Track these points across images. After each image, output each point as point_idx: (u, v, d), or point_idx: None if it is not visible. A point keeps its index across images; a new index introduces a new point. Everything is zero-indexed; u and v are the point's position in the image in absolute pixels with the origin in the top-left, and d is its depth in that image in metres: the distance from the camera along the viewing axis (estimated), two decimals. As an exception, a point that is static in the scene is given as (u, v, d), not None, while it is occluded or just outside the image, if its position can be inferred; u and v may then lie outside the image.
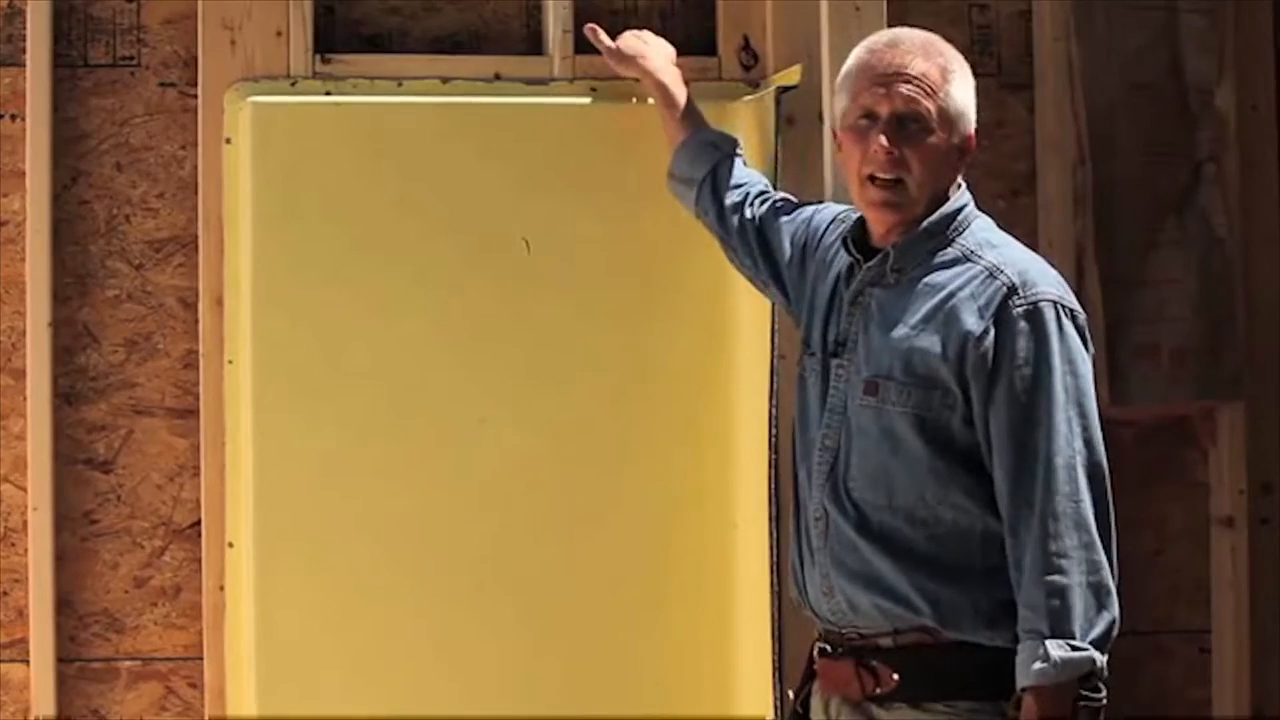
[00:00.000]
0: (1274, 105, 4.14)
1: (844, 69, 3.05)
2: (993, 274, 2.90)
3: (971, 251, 2.94)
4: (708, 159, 3.47)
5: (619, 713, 3.66)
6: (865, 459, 2.92)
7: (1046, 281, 2.90)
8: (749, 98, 3.77)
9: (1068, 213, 3.98)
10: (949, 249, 2.95)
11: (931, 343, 2.88)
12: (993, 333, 2.85)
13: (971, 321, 2.86)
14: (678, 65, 3.67)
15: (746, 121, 3.73)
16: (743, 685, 3.68)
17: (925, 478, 2.88)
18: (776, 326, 3.59)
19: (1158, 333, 3.98)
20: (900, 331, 2.91)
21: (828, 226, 3.21)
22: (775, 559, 3.56)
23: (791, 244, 3.26)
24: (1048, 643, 2.76)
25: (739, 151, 3.50)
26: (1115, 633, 2.80)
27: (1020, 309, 2.86)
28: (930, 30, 3.08)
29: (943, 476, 2.88)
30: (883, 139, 2.92)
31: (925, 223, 2.96)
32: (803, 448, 3.05)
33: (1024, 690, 2.78)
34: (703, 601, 3.72)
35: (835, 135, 3.08)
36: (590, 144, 3.72)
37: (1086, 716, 2.77)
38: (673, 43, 3.82)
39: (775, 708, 3.54)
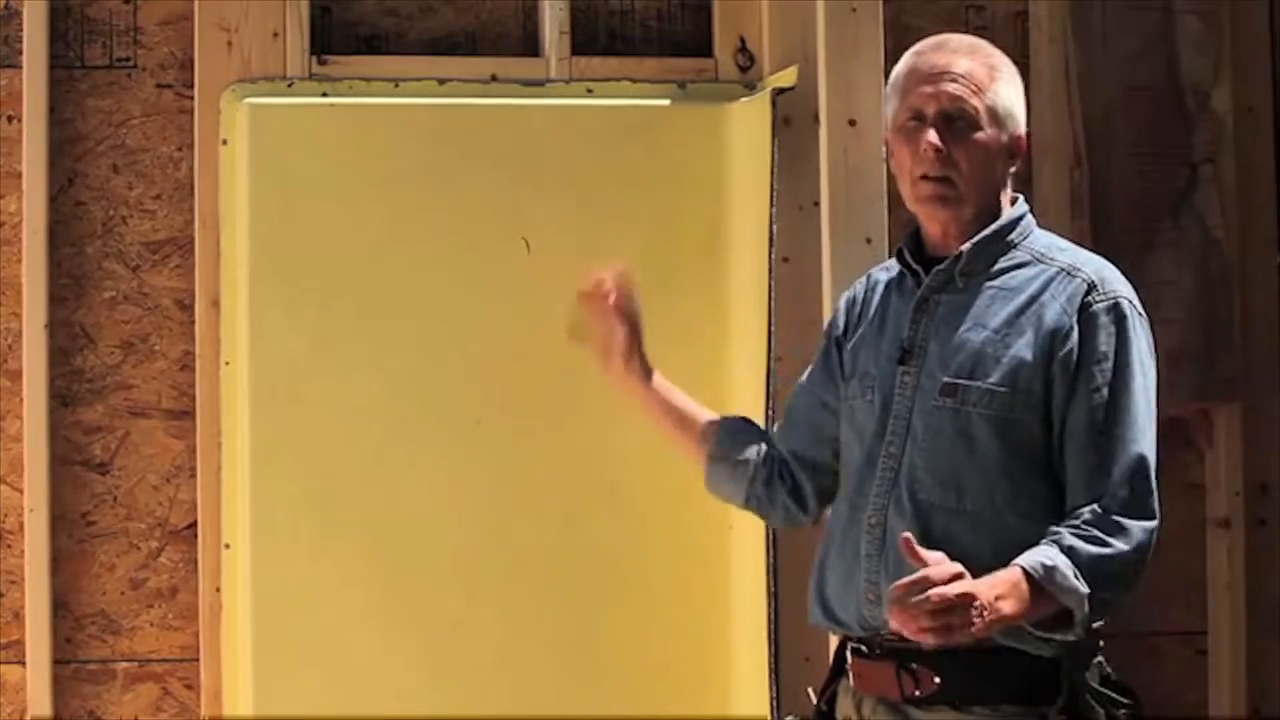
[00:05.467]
0: (1270, 107, 4.14)
1: (893, 74, 3.04)
2: (1071, 273, 2.91)
3: (1042, 254, 2.95)
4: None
5: (615, 713, 3.67)
6: (936, 461, 2.89)
7: (1120, 281, 2.92)
8: (745, 99, 3.77)
9: (1064, 214, 3.98)
10: (1015, 253, 2.95)
11: (1020, 345, 2.87)
12: (1076, 329, 2.86)
13: (1056, 319, 2.87)
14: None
15: (743, 123, 3.73)
16: (739, 685, 3.68)
17: (999, 481, 2.86)
18: (774, 328, 3.60)
19: (1154, 334, 3.98)
20: (982, 335, 2.90)
21: (847, 307, 3.15)
22: (771, 559, 3.56)
23: (835, 366, 3.16)
24: (1059, 556, 2.73)
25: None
26: (1112, 607, 2.78)
27: (1101, 305, 2.87)
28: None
29: (1016, 481, 2.86)
30: (930, 136, 2.92)
31: (994, 226, 2.95)
32: (858, 466, 3.00)
33: (1015, 566, 2.74)
34: (698, 601, 3.72)
35: (886, 142, 3.06)
36: (587, 145, 3.72)
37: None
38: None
39: (772, 707, 3.54)
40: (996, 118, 2.94)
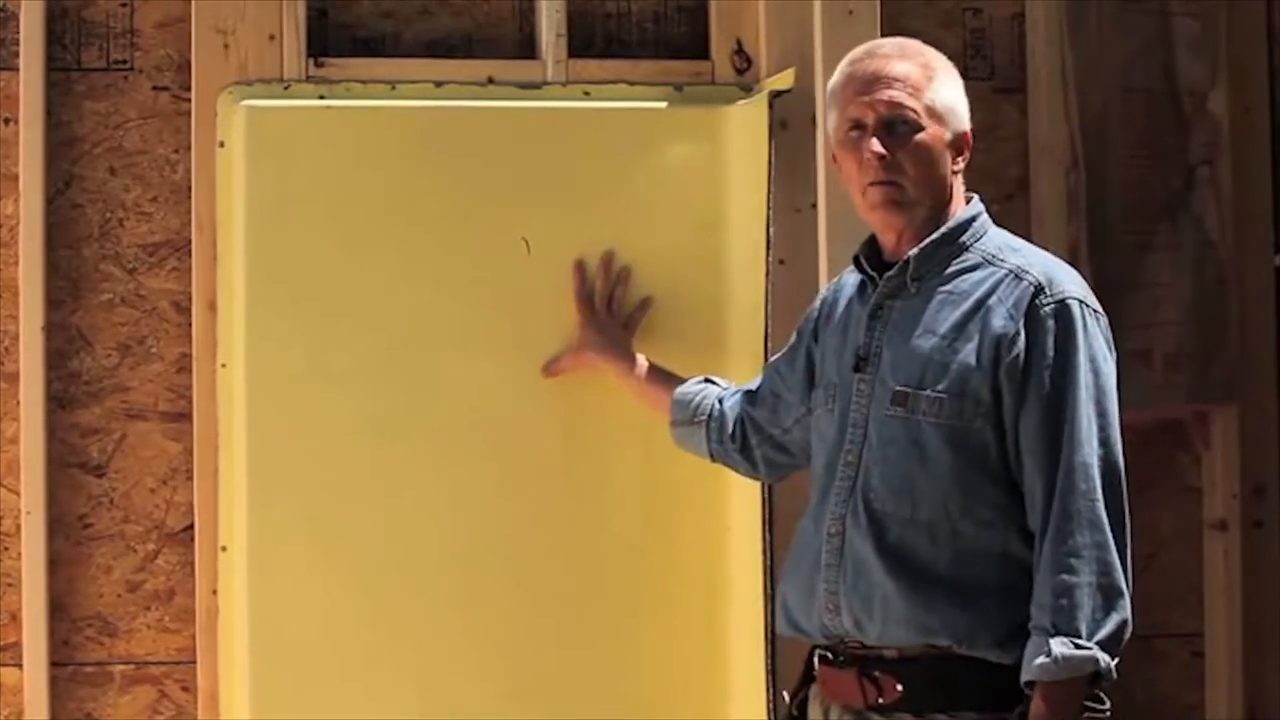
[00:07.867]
0: (1267, 109, 4.14)
1: (829, 86, 3.05)
2: (1019, 275, 2.89)
3: (993, 256, 2.93)
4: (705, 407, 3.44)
5: (612, 716, 3.66)
6: (890, 469, 2.90)
7: (1071, 281, 2.91)
8: (742, 102, 3.77)
9: (1061, 216, 3.98)
10: (967, 255, 2.94)
11: (966, 351, 2.86)
12: (1023, 334, 2.85)
13: (1002, 324, 2.86)
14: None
15: (740, 125, 3.73)
16: (736, 688, 3.68)
17: (951, 489, 2.86)
18: (770, 330, 3.60)
19: (1150, 336, 3.98)
20: (931, 341, 2.90)
21: (820, 306, 3.19)
22: (768, 561, 3.56)
23: (802, 362, 3.22)
24: (1052, 640, 2.75)
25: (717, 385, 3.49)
26: (1126, 635, 2.79)
27: (1048, 307, 2.85)
28: (923, 33, 3.09)
29: (969, 489, 2.86)
30: (873, 145, 2.92)
31: (943, 229, 2.94)
32: (821, 474, 3.02)
33: (1027, 685, 2.77)
34: (696, 604, 3.72)
35: (834, 157, 3.06)
36: (583, 148, 3.72)
37: None
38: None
39: (769, 711, 3.54)
40: (937, 116, 2.94)
